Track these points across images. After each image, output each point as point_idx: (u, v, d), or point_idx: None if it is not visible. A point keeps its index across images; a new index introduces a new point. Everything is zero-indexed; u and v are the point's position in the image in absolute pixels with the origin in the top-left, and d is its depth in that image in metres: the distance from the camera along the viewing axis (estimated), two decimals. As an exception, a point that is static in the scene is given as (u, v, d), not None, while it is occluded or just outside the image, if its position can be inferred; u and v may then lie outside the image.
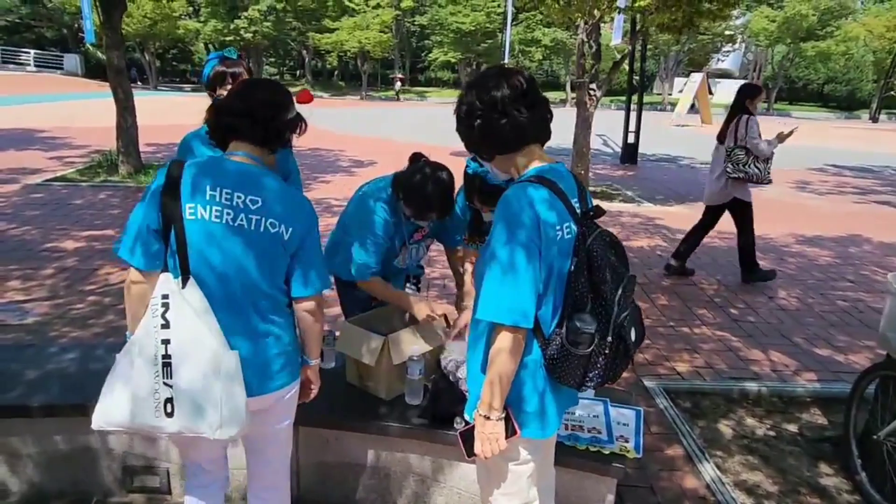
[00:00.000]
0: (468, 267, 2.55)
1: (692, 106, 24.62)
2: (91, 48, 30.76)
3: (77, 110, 19.15)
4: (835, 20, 34.88)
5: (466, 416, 1.71)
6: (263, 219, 1.58)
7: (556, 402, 1.62)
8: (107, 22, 8.34)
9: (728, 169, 5.09)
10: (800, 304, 4.92)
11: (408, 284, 2.60)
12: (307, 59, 42.94)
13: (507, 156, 1.58)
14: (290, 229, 1.60)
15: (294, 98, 1.75)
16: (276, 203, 1.60)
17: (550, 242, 1.46)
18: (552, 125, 1.63)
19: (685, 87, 26.14)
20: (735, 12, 9.05)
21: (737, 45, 38.71)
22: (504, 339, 1.46)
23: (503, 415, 1.54)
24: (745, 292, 5.12)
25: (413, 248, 2.57)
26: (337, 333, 2.51)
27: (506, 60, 28.71)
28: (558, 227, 1.48)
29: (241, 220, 1.57)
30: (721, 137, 5.25)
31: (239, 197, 1.57)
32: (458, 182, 2.44)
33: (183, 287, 1.53)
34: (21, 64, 33.89)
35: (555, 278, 1.51)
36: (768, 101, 37.70)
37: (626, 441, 2.18)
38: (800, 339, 4.21)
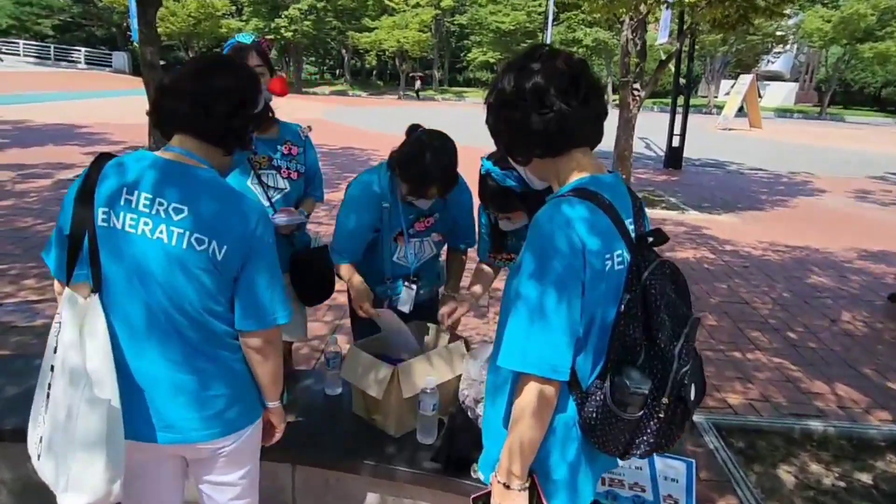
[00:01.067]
0: (474, 287, 2.23)
1: (740, 109, 23.67)
2: (137, 46, 31.52)
3: (119, 107, 19.50)
4: (895, 20, 33.09)
5: (480, 475, 1.40)
6: (187, 233, 1.29)
7: (591, 471, 1.30)
8: (141, 17, 8.31)
9: None
10: (867, 328, 4.43)
11: (406, 283, 2.29)
12: (346, 59, 43.17)
13: (547, 160, 1.26)
14: (224, 247, 1.31)
15: (264, 86, 1.47)
16: (207, 214, 1.30)
17: (597, 276, 1.14)
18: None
19: (733, 90, 25.17)
20: (788, 10, 8.48)
21: (788, 46, 37.21)
22: (530, 394, 1.15)
23: (527, 484, 1.23)
24: (803, 313, 4.66)
25: (415, 242, 2.25)
26: (343, 351, 2.23)
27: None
28: (607, 256, 1.16)
29: (161, 232, 1.29)
30: None
31: (160, 204, 1.29)
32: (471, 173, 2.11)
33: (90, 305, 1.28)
34: (72, 61, 34.98)
35: (599, 319, 1.19)
36: (821, 105, 36.13)
37: (675, 501, 1.84)
38: (869, 370, 3.75)
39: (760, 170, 12.99)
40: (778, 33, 31.17)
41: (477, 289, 2.21)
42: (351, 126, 17.02)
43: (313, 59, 47.94)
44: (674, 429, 1.22)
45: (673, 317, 1.18)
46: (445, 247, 2.42)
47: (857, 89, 40.14)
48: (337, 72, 48.88)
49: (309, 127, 2.44)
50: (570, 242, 1.12)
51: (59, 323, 1.29)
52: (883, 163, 14.91)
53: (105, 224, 1.29)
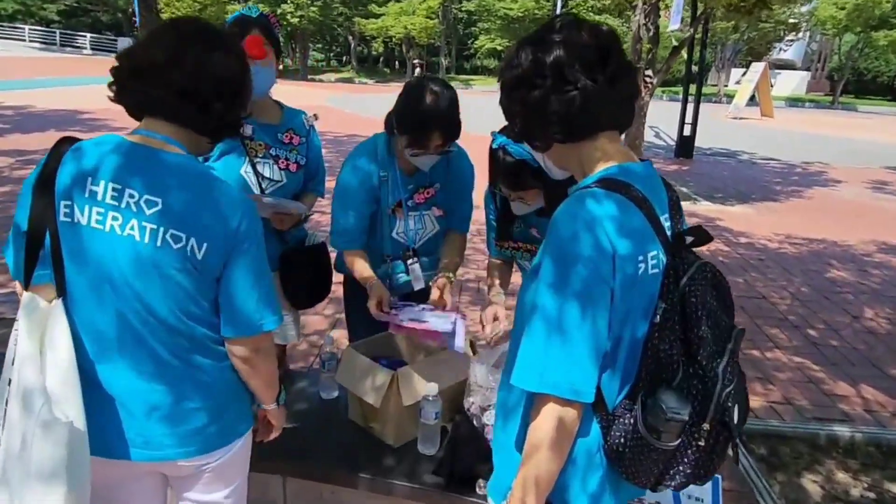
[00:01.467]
0: (495, 283, 2.05)
1: (751, 97, 23.27)
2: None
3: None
4: (911, 8, 32.39)
5: (490, 500, 1.25)
6: (161, 228, 1.13)
7: (615, 502, 1.14)
8: (142, 1, 8.13)
9: None
10: (891, 326, 4.24)
11: (409, 261, 2.12)
12: (353, 45, 42.80)
13: (570, 145, 1.09)
14: (205, 245, 1.15)
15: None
16: (184, 207, 1.14)
17: (628, 283, 0.98)
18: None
19: (744, 78, 24.72)
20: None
21: (801, 34, 36.53)
22: (548, 417, 0.99)
23: None
24: (823, 309, 4.47)
25: (414, 217, 2.09)
26: (340, 352, 2.07)
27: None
28: (640, 258, 0.99)
29: (132, 228, 1.13)
30: None
31: (131, 196, 1.13)
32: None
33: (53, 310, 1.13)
34: (78, 47, 34.82)
35: (629, 332, 1.02)
36: (833, 94, 35.54)
37: (701, 523, 1.68)
38: (896, 371, 3.57)
39: (773, 159, 12.71)
40: (790, 21, 30.55)
41: (497, 288, 2.02)
42: (356, 113, 16.78)
43: (319, 45, 47.58)
44: (715, 458, 1.06)
45: (715, 328, 1.02)
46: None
47: (870, 78, 39.44)
48: (343, 59, 48.53)
49: (315, 115, 2.25)
50: (596, 244, 0.95)
51: (17, 331, 1.14)
52: (898, 153, 14.59)
53: (68, 219, 1.14)
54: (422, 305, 2.01)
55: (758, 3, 7.09)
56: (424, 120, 1.84)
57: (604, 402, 1.04)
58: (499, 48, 37.91)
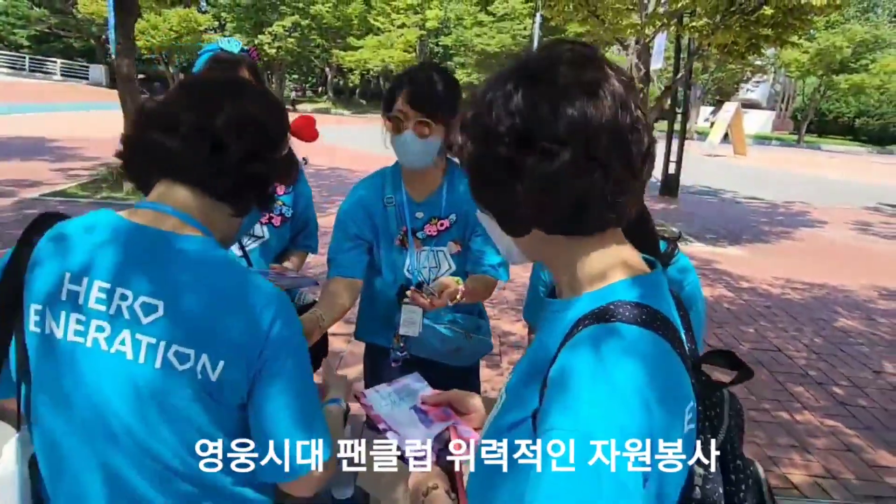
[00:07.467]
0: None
1: (724, 136, 23.84)
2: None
3: (95, 120, 18.81)
4: (870, 53, 33.99)
5: None
6: (163, 344, 0.82)
7: None
8: (120, 27, 7.80)
9: None
10: (917, 382, 4.06)
11: (406, 299, 1.72)
12: (329, 77, 42.92)
13: (560, 239, 0.73)
14: (221, 363, 0.84)
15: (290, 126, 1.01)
16: (194, 312, 0.83)
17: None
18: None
19: (718, 117, 25.45)
20: (795, 38, 8.24)
21: (766, 76, 37.91)
22: None
23: None
24: (842, 363, 4.27)
25: (426, 253, 1.82)
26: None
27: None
28: (688, 415, 0.68)
29: (123, 342, 0.82)
30: None
31: (123, 298, 0.82)
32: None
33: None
34: (47, 73, 34.09)
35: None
36: (798, 133, 36.77)
37: None
38: (936, 435, 3.36)
39: (756, 198, 12.82)
40: (757, 63, 31.68)
41: None
42: (336, 144, 16.59)
43: (296, 76, 47.62)
44: None
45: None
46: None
47: (831, 119, 41.03)
48: (319, 89, 48.56)
49: (304, 159, 1.96)
50: (641, 424, 0.61)
51: None
52: (872, 193, 14.90)
53: (37, 329, 0.83)
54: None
55: (750, 48, 7.13)
56: (395, 80, 1.70)
57: None
58: (475, 83, 38.39)
